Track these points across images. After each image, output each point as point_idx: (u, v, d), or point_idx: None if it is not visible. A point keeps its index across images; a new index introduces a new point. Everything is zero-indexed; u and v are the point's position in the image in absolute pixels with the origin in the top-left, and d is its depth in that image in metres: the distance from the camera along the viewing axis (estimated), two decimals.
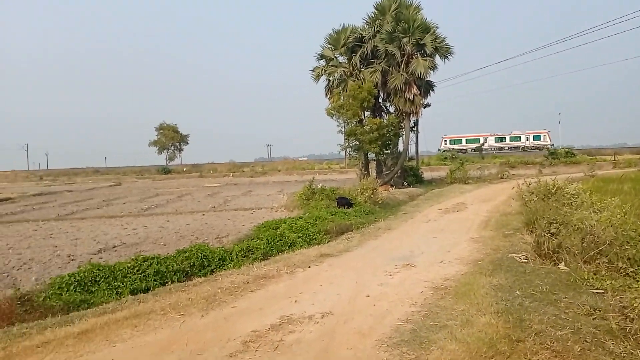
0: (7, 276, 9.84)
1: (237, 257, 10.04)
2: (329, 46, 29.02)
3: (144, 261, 8.82)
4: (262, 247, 10.78)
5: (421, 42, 26.28)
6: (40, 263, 11.06)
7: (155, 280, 8.30)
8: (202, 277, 8.62)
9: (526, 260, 8.73)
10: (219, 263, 9.64)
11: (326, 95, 30.08)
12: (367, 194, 19.19)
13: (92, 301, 7.31)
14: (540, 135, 77.95)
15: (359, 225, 14.24)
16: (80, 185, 51.72)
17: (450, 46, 26.92)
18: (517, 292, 6.73)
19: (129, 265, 8.57)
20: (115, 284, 7.98)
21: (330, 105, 28.41)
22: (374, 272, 8.60)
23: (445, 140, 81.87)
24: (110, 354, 5.11)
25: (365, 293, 7.22)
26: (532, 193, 14.39)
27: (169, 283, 8.27)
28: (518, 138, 78.65)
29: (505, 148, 76.78)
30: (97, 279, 8.03)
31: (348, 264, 9.43)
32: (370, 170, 29.03)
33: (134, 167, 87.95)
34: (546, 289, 6.83)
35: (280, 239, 11.65)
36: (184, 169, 75.44)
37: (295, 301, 6.95)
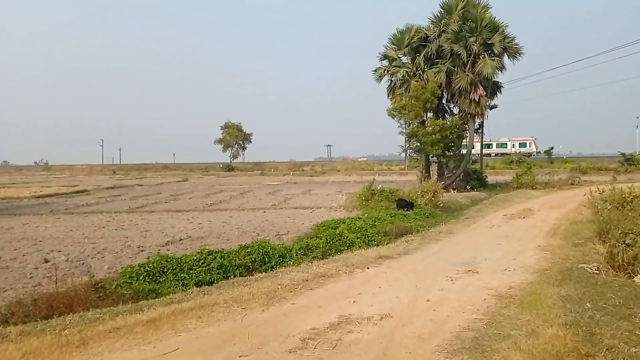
0: (83, 264, 10.50)
1: (296, 255, 10.18)
2: (393, 46, 28.74)
3: (208, 255, 9.13)
4: (321, 246, 10.86)
5: (489, 42, 25.48)
6: (112, 252, 11.72)
7: (218, 273, 8.57)
8: (263, 273, 8.82)
9: (598, 272, 8.26)
10: (279, 260, 9.81)
11: (388, 95, 29.81)
12: (427, 197, 18.86)
13: (159, 291, 7.66)
14: (526, 143, 79.39)
15: (419, 228, 14.03)
16: (150, 180, 54.30)
17: (520, 46, 25.94)
18: (587, 304, 6.38)
19: (194, 258, 8.90)
20: (182, 275, 8.31)
21: (391, 106, 28.14)
22: (435, 276, 8.45)
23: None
24: (176, 342, 5.34)
25: (425, 297, 7.11)
26: (606, 201, 13.58)
27: (232, 277, 8.52)
28: (504, 145, 79.67)
29: (492, 155, 75.32)
30: (165, 270, 8.40)
31: (407, 267, 9.32)
32: (431, 172, 28.49)
33: (200, 163, 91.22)
34: (619, 302, 6.43)
35: (339, 239, 11.69)
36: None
37: (354, 301, 6.96)
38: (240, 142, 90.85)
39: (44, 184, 46.82)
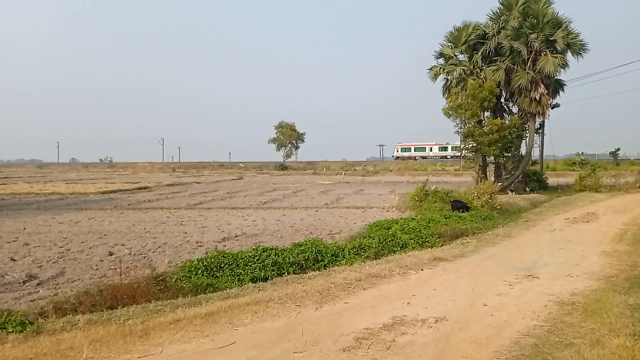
0: (144, 257, 10.96)
1: (349, 254, 10.18)
2: (449, 44, 28.15)
3: (263, 251, 9.31)
4: (373, 246, 10.81)
5: (551, 38, 24.48)
6: (172, 247, 12.16)
7: (272, 270, 8.72)
8: (316, 271, 8.88)
9: None
10: (331, 259, 9.85)
11: (443, 94, 29.24)
12: (484, 198, 18.34)
13: (217, 285, 7.88)
14: None
15: (474, 231, 13.66)
16: (207, 177, 55.94)
17: (585, 42, 24.74)
18: None
19: (250, 254, 9.10)
20: (238, 271, 8.52)
21: (447, 105, 27.59)
22: (492, 280, 8.21)
23: (397, 148, 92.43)
24: (232, 336, 5.48)
25: (482, 302, 6.93)
26: None
27: (286, 274, 8.64)
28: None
29: (448, 157, 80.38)
30: (222, 265, 8.64)
31: (463, 269, 9.11)
32: (488, 173, 27.68)
33: (254, 162, 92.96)
34: None
35: (392, 239, 11.59)
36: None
37: (408, 303, 6.88)
38: (294, 142, 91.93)
39: (108, 180, 49.28)
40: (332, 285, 7.56)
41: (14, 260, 10.57)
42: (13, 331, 5.42)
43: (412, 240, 11.86)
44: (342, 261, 9.78)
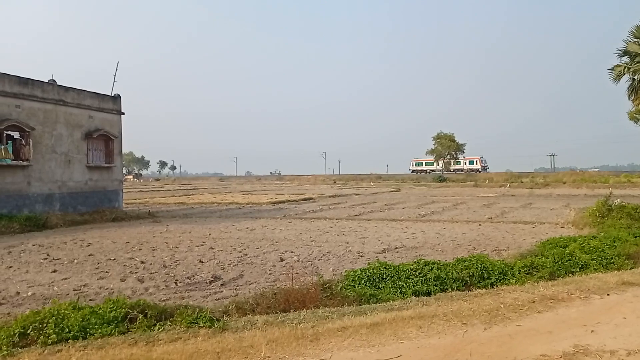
0: (311, 264, 11.60)
1: (519, 273, 9.47)
2: (635, 40, 24.69)
3: (425, 265, 9.17)
4: (548, 266, 9.90)
5: None
6: (335, 256, 12.67)
7: (435, 285, 8.52)
8: (482, 289, 8.43)
9: None
10: (499, 277, 9.27)
11: (629, 97, 25.60)
12: None
13: (379, 296, 7.96)
14: (474, 161, 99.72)
15: None
16: (365, 189, 57.19)
17: None
18: None
19: (411, 267, 9.04)
20: (400, 283, 8.51)
21: (633, 109, 24.21)
22: None
23: (412, 163, 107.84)
24: (398, 349, 5.48)
25: None
26: None
27: (449, 290, 8.38)
28: (459, 162, 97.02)
29: (451, 170, 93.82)
30: (384, 277, 8.72)
31: None
32: None
33: (411, 174, 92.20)
34: None
35: (570, 259, 10.47)
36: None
37: (592, 331, 6.14)
38: (453, 153, 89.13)
39: (277, 191, 53.36)
40: (502, 306, 7.11)
41: (202, 262, 12.03)
42: (204, 326, 6.14)
43: (594, 261, 10.58)
44: (511, 280, 9.14)
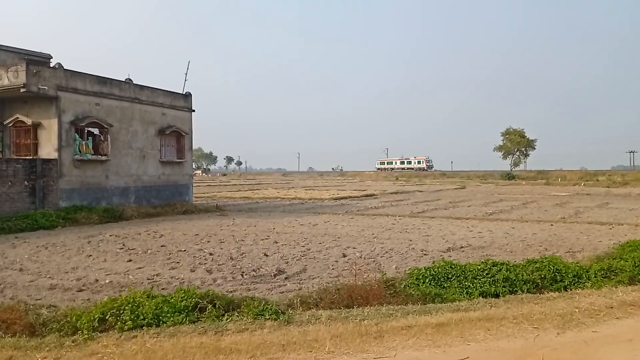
0: (374, 261, 11.54)
1: (595, 277, 8.94)
2: None
3: (493, 266, 8.86)
4: (627, 270, 9.26)
5: None
6: (398, 253, 12.53)
7: (504, 286, 8.21)
8: (555, 292, 8.04)
9: None
10: (573, 280, 8.78)
11: None
12: None
13: (444, 296, 7.79)
14: (420, 160, 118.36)
15: None
16: (428, 186, 56.09)
17: None
18: None
19: (478, 267, 8.76)
20: (466, 283, 8.28)
21: None
22: None
23: (378, 162, 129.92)
24: (464, 350, 5.35)
25: None
26: None
27: (519, 292, 8.05)
28: (410, 162, 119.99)
29: (405, 169, 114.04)
30: (449, 276, 8.51)
31: None
32: None
33: (477, 171, 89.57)
34: None
35: None
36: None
37: None
38: (523, 149, 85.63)
39: (339, 187, 53.54)
40: (576, 310, 6.75)
41: (267, 255, 12.30)
42: (269, 318, 6.28)
43: None
44: (586, 284, 8.64)
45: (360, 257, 11.97)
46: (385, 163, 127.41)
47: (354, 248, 13.36)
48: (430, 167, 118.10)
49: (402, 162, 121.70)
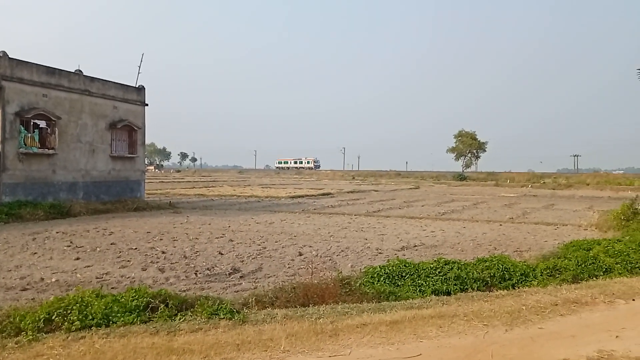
0: (330, 260, 11.59)
1: (541, 275, 9.33)
2: None
3: (445, 264, 9.08)
4: (571, 269, 9.73)
5: None
6: (354, 252, 12.64)
7: (455, 284, 8.43)
8: (503, 290, 8.33)
9: None
10: (520, 278, 9.13)
11: None
12: None
13: (398, 294, 7.92)
14: (310, 161, 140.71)
15: None
16: (384, 186, 56.94)
17: None
18: None
19: (431, 266, 8.96)
20: (419, 281, 8.44)
21: None
22: None
23: (276, 161, 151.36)
24: (418, 347, 5.45)
25: None
26: None
27: (469, 290, 8.29)
28: (301, 161, 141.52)
29: (298, 168, 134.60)
30: (403, 275, 8.66)
31: None
32: None
33: (431, 172, 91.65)
34: None
35: (593, 262, 10.26)
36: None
37: (617, 336, 6.01)
38: (474, 151, 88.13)
39: (296, 185, 53.49)
40: (524, 307, 7.01)
41: (222, 254, 12.13)
42: (224, 318, 6.18)
43: (619, 265, 10.35)
44: (533, 282, 9.00)
45: (317, 255, 12.00)
46: (282, 162, 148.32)
47: (310, 247, 13.37)
48: (317, 166, 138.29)
49: (295, 162, 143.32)
